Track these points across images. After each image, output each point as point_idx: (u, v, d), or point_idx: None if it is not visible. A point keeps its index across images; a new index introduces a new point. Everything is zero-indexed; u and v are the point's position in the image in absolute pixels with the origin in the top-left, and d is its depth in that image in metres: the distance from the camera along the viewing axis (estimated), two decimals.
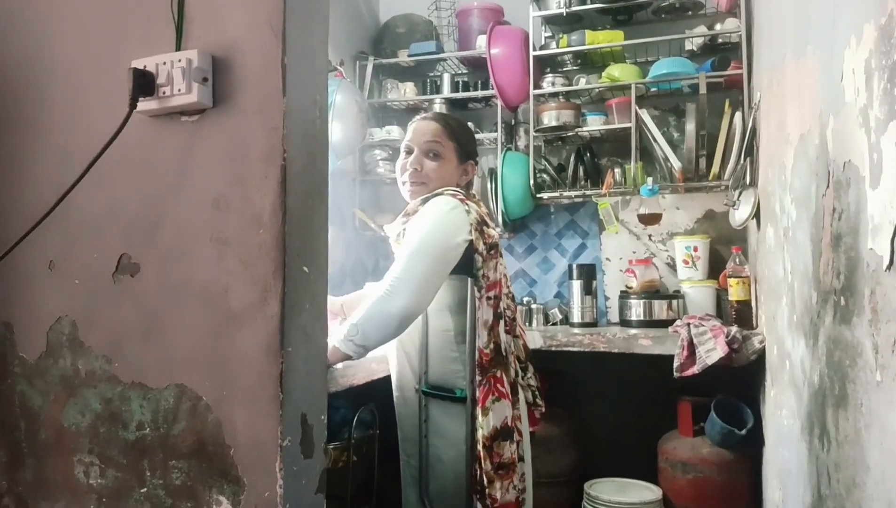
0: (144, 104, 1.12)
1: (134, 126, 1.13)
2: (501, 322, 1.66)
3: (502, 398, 1.61)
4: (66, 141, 1.23)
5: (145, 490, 1.12)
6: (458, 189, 1.74)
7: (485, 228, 1.67)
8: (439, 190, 1.71)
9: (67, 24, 1.25)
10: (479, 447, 1.58)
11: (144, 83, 1.11)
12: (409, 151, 1.77)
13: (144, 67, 1.12)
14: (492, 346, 1.62)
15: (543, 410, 1.84)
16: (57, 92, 1.25)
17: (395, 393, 1.80)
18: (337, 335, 1.53)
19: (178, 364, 1.12)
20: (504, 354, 1.65)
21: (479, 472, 1.58)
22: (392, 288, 1.53)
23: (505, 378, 1.63)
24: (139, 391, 1.14)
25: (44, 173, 1.24)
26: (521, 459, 1.66)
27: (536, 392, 1.80)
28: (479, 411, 1.59)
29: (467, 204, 1.67)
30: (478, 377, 1.60)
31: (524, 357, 1.80)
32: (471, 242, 1.62)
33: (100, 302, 1.18)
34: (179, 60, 1.09)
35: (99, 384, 1.17)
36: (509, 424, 1.60)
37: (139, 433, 1.13)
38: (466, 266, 1.63)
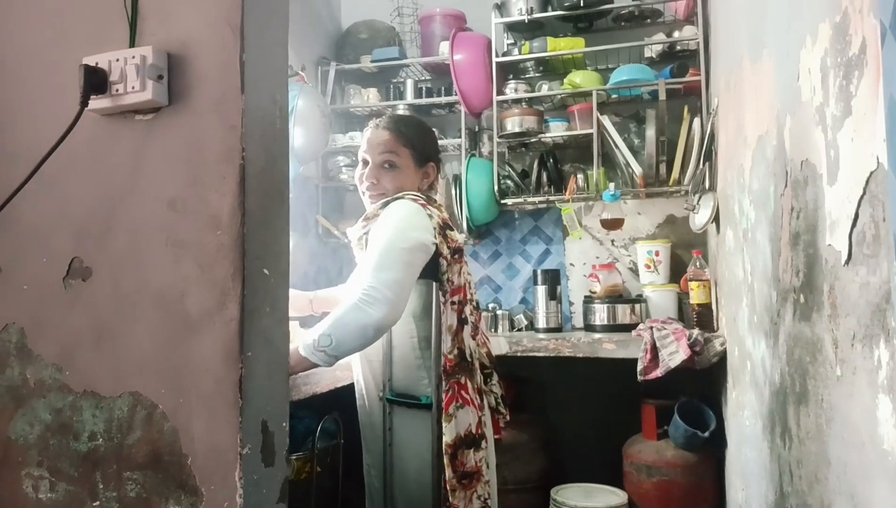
0: (96, 102, 1.08)
1: (85, 125, 1.09)
2: (466, 328, 1.63)
3: (466, 404, 1.57)
4: (12, 142, 1.18)
5: (98, 503, 1.07)
6: (418, 194, 1.69)
7: (448, 231, 1.64)
8: (399, 194, 1.67)
9: (13, 20, 1.20)
10: (442, 454, 1.55)
11: (96, 81, 1.07)
12: (366, 163, 1.73)
13: (96, 63, 1.08)
14: (456, 352, 1.59)
15: (507, 418, 1.80)
16: (4, 90, 1.19)
17: (357, 402, 1.77)
18: (305, 342, 1.47)
19: (133, 372, 1.08)
20: (469, 359, 1.62)
21: (443, 481, 1.55)
22: (368, 297, 1.46)
23: (470, 385, 1.60)
24: (91, 401, 1.09)
25: None
26: (487, 466, 1.62)
27: (500, 400, 1.77)
28: (444, 417, 1.56)
29: (429, 209, 1.64)
30: (444, 384, 1.57)
31: (488, 364, 1.77)
32: (436, 245, 1.60)
33: (50, 308, 1.13)
34: (133, 57, 1.06)
35: (49, 393, 1.12)
36: (474, 431, 1.57)
37: (91, 444, 1.08)
38: (431, 271, 1.60)
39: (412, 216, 1.60)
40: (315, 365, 1.49)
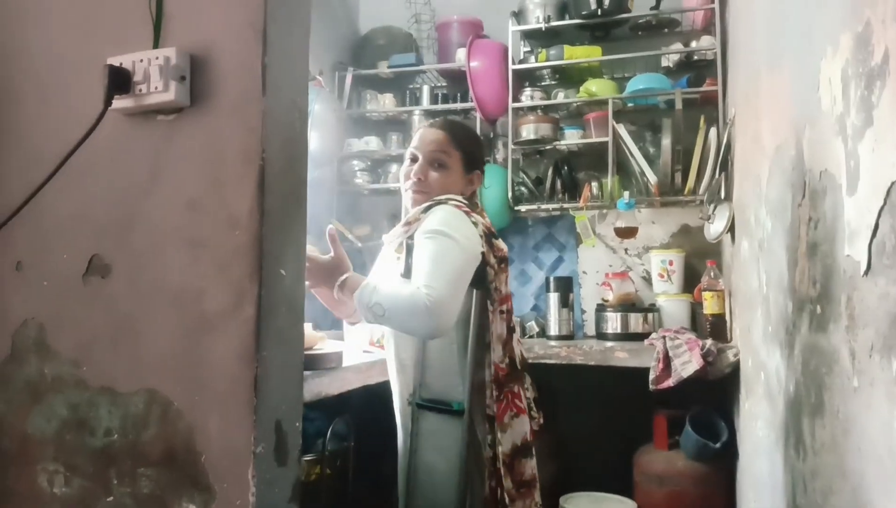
0: (120, 102, 1.10)
1: (108, 124, 1.10)
2: (515, 336, 1.62)
3: (521, 413, 1.57)
4: (38, 139, 1.19)
5: (112, 498, 1.08)
6: (461, 200, 1.66)
7: (494, 240, 1.62)
8: (441, 198, 1.64)
9: (42, 20, 1.22)
10: (500, 464, 1.53)
11: (120, 80, 1.08)
12: (414, 159, 1.72)
13: (120, 63, 1.09)
14: (507, 360, 1.58)
15: (541, 421, 1.77)
16: (30, 89, 1.21)
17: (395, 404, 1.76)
18: (363, 291, 1.53)
19: (149, 369, 1.08)
20: (520, 367, 1.61)
21: (499, 491, 1.53)
22: (435, 307, 1.42)
23: (522, 393, 1.60)
24: (107, 397, 1.10)
25: (14, 172, 1.20)
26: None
27: (532, 404, 1.74)
28: (497, 427, 1.54)
29: (472, 216, 1.61)
30: (495, 393, 1.56)
31: (521, 368, 1.72)
32: (483, 254, 1.58)
33: (69, 305, 1.15)
34: (157, 58, 1.07)
35: (66, 389, 1.13)
36: (528, 439, 1.57)
37: (106, 440, 1.09)
38: (477, 279, 1.57)
39: (460, 224, 1.56)
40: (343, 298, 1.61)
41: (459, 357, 1.60)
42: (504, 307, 1.60)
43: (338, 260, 1.69)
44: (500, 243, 1.64)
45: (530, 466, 1.56)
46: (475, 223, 1.59)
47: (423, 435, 1.63)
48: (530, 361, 2.49)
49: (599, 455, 2.81)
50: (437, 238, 1.51)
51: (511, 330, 1.61)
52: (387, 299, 1.50)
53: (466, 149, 1.74)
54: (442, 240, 1.51)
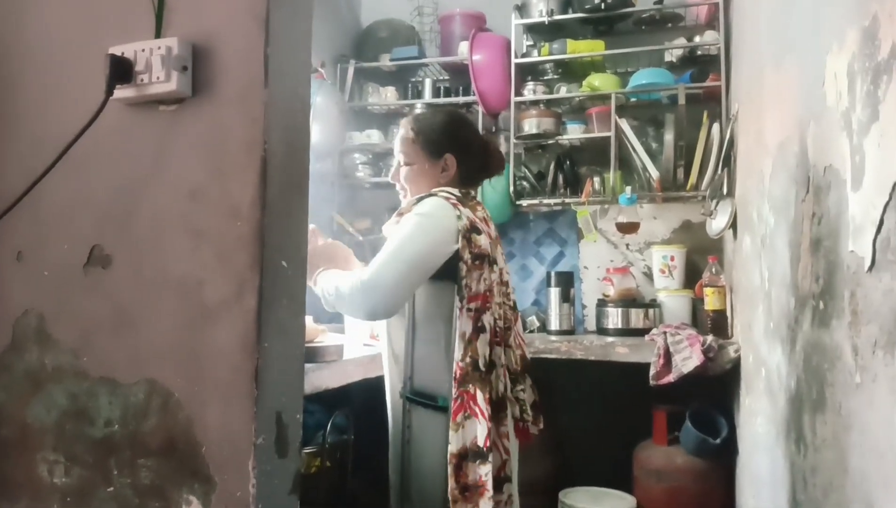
0: (121, 92, 1.09)
1: (110, 114, 1.10)
2: (483, 336, 1.56)
3: (474, 416, 1.51)
4: (39, 128, 1.19)
5: (112, 489, 1.08)
6: (452, 191, 1.65)
7: (474, 235, 1.58)
8: (435, 190, 1.65)
9: (44, 8, 1.21)
10: (448, 462, 1.51)
11: (122, 70, 1.07)
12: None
13: (122, 53, 1.09)
14: (468, 360, 1.53)
15: (541, 426, 1.74)
16: (31, 78, 1.21)
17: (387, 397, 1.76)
18: (327, 279, 1.64)
19: (150, 359, 1.08)
20: (483, 369, 1.54)
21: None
22: (366, 286, 1.53)
23: (480, 395, 1.51)
24: (108, 387, 1.10)
25: (15, 161, 1.20)
26: (509, 479, 1.59)
27: (525, 406, 1.69)
28: (451, 425, 1.51)
29: (459, 209, 1.59)
30: (454, 392, 1.53)
31: (519, 369, 1.69)
32: (457, 250, 1.56)
33: (69, 295, 1.14)
34: (159, 48, 1.07)
35: (66, 379, 1.13)
36: (480, 444, 1.49)
37: (107, 430, 1.09)
38: (448, 273, 1.56)
39: (436, 216, 1.57)
40: None
41: (446, 353, 1.59)
42: (472, 306, 1.55)
43: (318, 250, 1.75)
44: (481, 240, 1.59)
45: (480, 472, 1.48)
46: (459, 216, 1.57)
47: (413, 428, 1.63)
48: (530, 356, 2.51)
49: (599, 449, 2.81)
50: (405, 227, 1.57)
51: (478, 330, 1.55)
52: (340, 283, 1.59)
53: (426, 137, 1.71)
54: (407, 229, 1.56)
